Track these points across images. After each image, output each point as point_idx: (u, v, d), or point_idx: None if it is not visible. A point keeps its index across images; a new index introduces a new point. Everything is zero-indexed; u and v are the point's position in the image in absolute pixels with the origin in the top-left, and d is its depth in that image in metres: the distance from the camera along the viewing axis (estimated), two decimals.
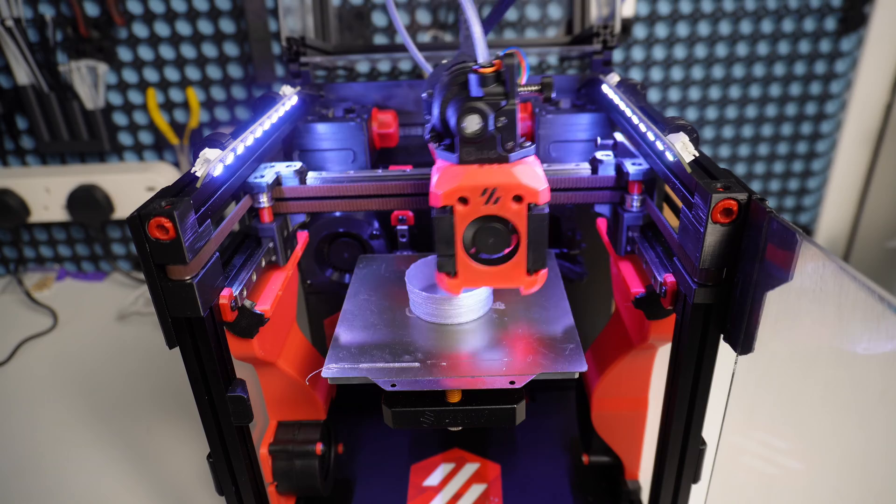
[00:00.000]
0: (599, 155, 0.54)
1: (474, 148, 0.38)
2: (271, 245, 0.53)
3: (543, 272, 0.41)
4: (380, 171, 0.56)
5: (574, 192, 0.53)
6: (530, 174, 0.38)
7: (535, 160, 0.41)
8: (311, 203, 0.53)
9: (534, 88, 0.40)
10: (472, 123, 0.36)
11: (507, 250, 0.40)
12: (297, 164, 0.54)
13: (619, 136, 0.58)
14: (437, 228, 0.39)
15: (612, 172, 0.53)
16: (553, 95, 0.42)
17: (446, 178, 0.39)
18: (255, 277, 0.49)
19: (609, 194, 0.53)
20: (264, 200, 0.51)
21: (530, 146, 0.39)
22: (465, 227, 0.39)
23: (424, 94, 0.39)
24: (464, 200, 0.38)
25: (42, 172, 1.05)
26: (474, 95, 0.37)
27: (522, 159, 0.39)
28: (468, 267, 0.40)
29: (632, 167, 0.51)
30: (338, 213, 0.67)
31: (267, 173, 0.52)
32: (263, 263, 0.51)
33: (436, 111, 0.40)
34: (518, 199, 0.38)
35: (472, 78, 0.36)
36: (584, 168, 0.54)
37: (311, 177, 0.54)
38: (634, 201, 0.52)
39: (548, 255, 0.61)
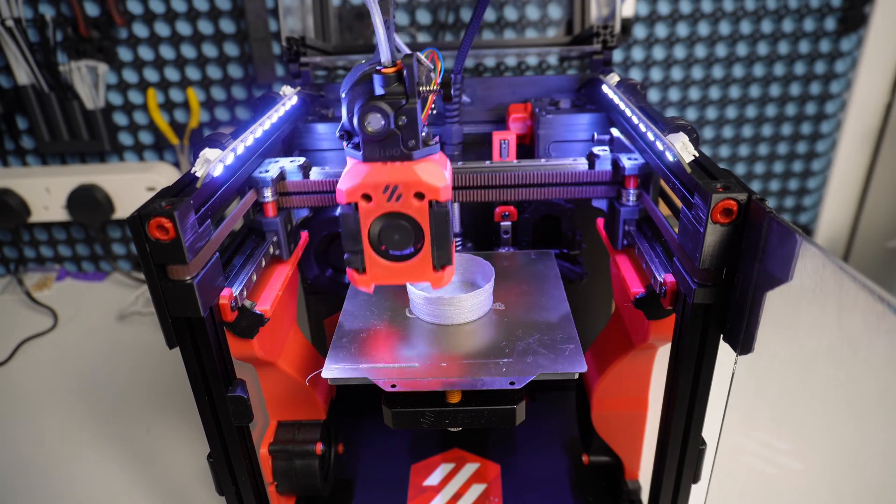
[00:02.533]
0: (596, 150, 0.54)
1: (378, 146, 0.39)
2: (275, 239, 0.53)
3: (450, 269, 0.42)
4: None
5: (571, 186, 0.54)
6: (432, 171, 0.39)
7: (441, 157, 0.42)
8: (315, 197, 0.54)
9: (434, 88, 0.41)
10: (374, 122, 0.38)
11: (418, 245, 0.41)
12: (301, 160, 0.54)
13: (615, 132, 0.58)
14: (343, 225, 0.40)
15: (608, 167, 0.53)
16: (452, 95, 0.42)
17: (350, 175, 0.40)
18: (255, 277, 0.49)
19: (605, 189, 0.54)
20: (269, 195, 0.52)
21: (434, 144, 0.40)
22: (371, 224, 0.40)
23: (342, 94, 0.40)
24: (367, 197, 0.39)
25: (42, 172, 1.05)
26: (377, 94, 0.38)
27: (427, 157, 0.40)
28: (376, 263, 0.41)
29: (628, 162, 0.51)
30: (337, 213, 0.67)
31: (271, 168, 0.53)
32: (265, 260, 0.52)
33: (344, 110, 0.40)
34: (420, 195, 0.39)
35: (376, 77, 0.37)
36: (582, 163, 0.54)
37: (315, 172, 0.55)
38: (630, 195, 0.52)
39: (548, 255, 0.61)
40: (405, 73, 0.37)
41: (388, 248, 0.41)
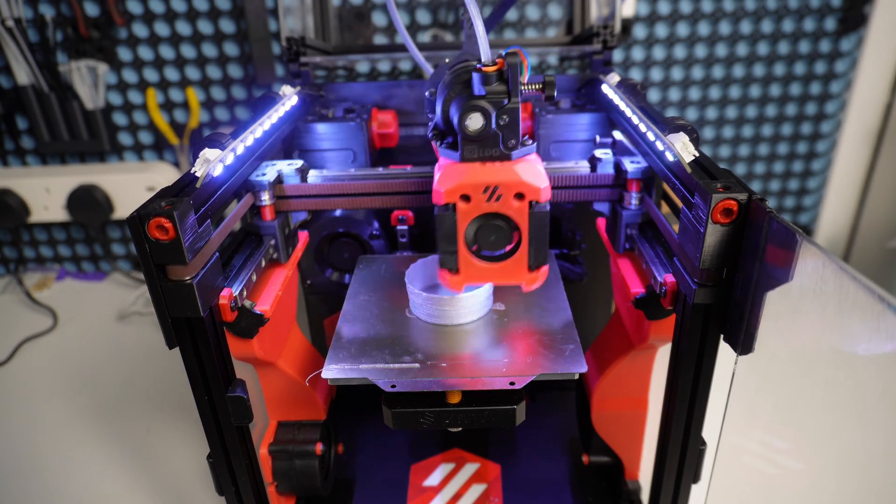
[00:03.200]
0: (598, 153, 0.54)
1: (476, 146, 0.38)
2: (273, 243, 0.53)
3: (545, 269, 0.41)
4: (380, 170, 0.56)
5: (573, 189, 0.54)
6: (532, 172, 0.38)
7: (537, 158, 0.41)
8: (313, 201, 0.54)
9: (536, 87, 0.41)
10: (475, 121, 0.37)
11: (508, 247, 0.40)
12: (299, 163, 0.54)
13: (617, 135, 0.58)
14: (439, 225, 0.39)
15: (610, 170, 0.53)
16: (555, 94, 0.43)
17: (449, 175, 0.39)
18: (255, 277, 0.49)
19: (608, 192, 0.54)
20: (266, 198, 0.52)
21: (532, 144, 0.39)
22: (468, 225, 0.39)
23: (427, 93, 0.39)
24: (466, 198, 0.39)
25: (42, 172, 1.04)
26: (477, 94, 0.37)
27: (524, 157, 0.39)
28: (470, 264, 0.41)
29: (630, 165, 0.51)
30: (338, 213, 0.67)
31: (269, 171, 0.52)
32: (264, 262, 0.52)
33: (438, 109, 0.40)
34: (520, 196, 0.38)
35: (475, 76, 0.37)
36: (584, 166, 0.54)
37: (313, 175, 0.55)
38: (633, 199, 0.52)
39: (548, 255, 0.61)
40: (508, 71, 0.36)
41: (481, 248, 0.40)
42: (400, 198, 0.54)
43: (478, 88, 0.37)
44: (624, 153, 0.55)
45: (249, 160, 0.50)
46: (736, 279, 0.38)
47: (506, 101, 0.37)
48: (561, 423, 0.73)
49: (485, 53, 0.37)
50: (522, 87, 0.38)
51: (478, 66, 0.37)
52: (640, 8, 0.98)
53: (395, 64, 1.02)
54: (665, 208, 0.55)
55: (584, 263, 0.71)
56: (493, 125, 0.37)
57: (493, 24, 0.54)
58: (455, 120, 0.38)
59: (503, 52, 0.37)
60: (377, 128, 0.71)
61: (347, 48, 0.85)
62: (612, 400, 0.59)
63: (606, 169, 0.53)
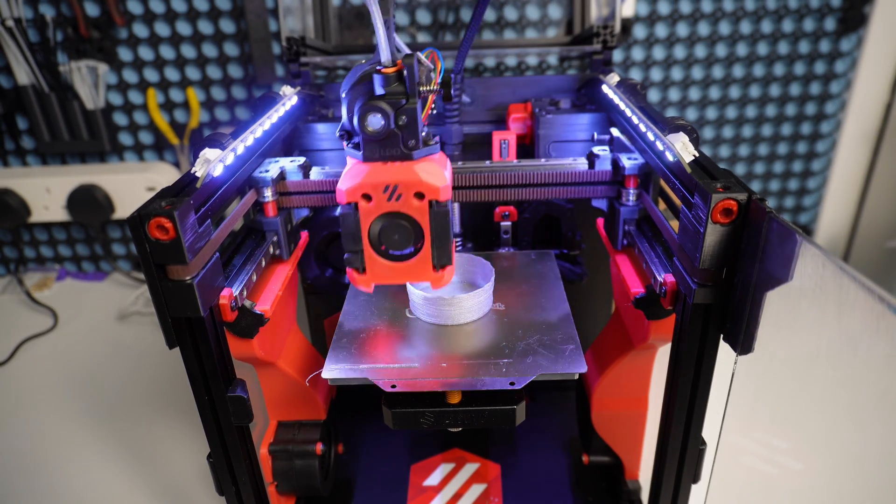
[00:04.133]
0: (596, 150, 0.54)
1: (378, 146, 0.39)
2: (275, 239, 0.53)
3: (450, 268, 0.42)
4: None
5: (571, 186, 0.54)
6: (432, 171, 0.39)
7: (442, 157, 0.42)
8: (315, 197, 0.54)
9: (434, 88, 0.41)
10: (374, 122, 0.38)
11: (418, 245, 0.41)
12: (301, 160, 0.54)
13: (615, 132, 0.58)
14: (343, 225, 0.40)
15: (608, 167, 0.53)
16: (452, 94, 0.42)
17: (351, 175, 0.40)
18: (255, 277, 0.49)
19: (605, 189, 0.54)
20: (269, 195, 0.52)
21: (435, 144, 0.40)
22: (371, 224, 0.40)
23: (342, 94, 0.40)
24: (367, 197, 0.39)
25: (42, 172, 1.05)
26: (377, 94, 0.38)
27: (427, 157, 0.40)
28: (376, 263, 0.41)
29: (628, 162, 0.51)
30: (338, 213, 0.67)
31: (271, 168, 0.53)
32: (265, 260, 0.52)
33: (345, 110, 0.40)
34: (420, 195, 0.39)
35: (376, 77, 0.37)
36: (582, 163, 0.54)
37: (315, 171, 0.55)
38: (630, 195, 0.52)
39: (548, 255, 0.61)
40: (405, 72, 0.37)
41: (387, 247, 0.41)
42: None
43: (378, 89, 0.38)
44: (622, 150, 0.55)
45: (250, 160, 0.50)
46: (736, 279, 0.38)
47: (404, 101, 0.37)
48: (561, 423, 0.73)
49: (384, 54, 0.37)
50: (421, 88, 0.38)
51: (378, 67, 0.38)
52: (640, 8, 0.98)
53: None
54: (662, 205, 0.55)
55: (584, 263, 0.71)
56: (392, 125, 0.38)
57: (474, 28, 0.54)
58: (356, 120, 0.38)
59: (419, 53, 0.38)
60: None
61: (347, 48, 0.85)
62: (612, 400, 0.59)
63: (604, 165, 0.53)
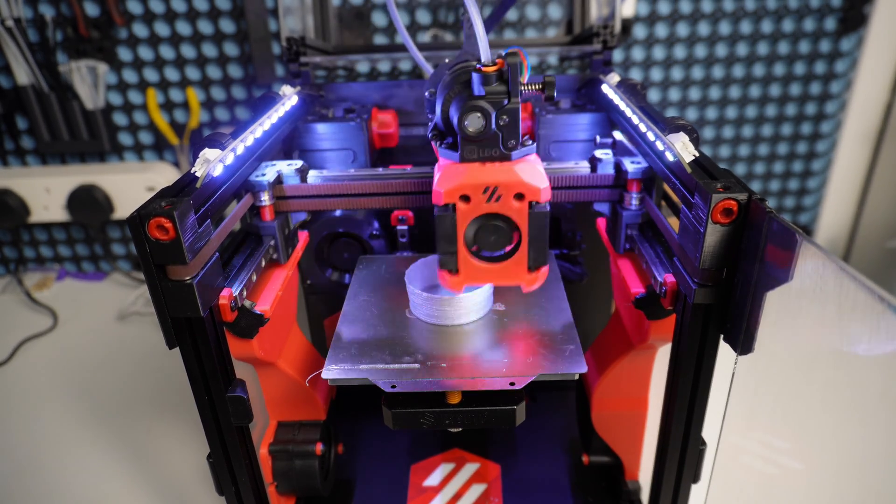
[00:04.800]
0: (598, 153, 0.54)
1: (476, 146, 0.38)
2: (272, 243, 0.53)
3: (544, 269, 0.41)
4: (380, 170, 0.56)
5: (573, 190, 0.54)
6: (532, 172, 0.38)
7: (537, 158, 0.41)
8: (312, 201, 0.54)
9: (536, 87, 0.41)
10: (475, 122, 0.37)
11: (508, 248, 0.40)
12: (299, 163, 0.54)
13: (617, 135, 0.58)
14: (438, 226, 0.39)
15: (611, 171, 0.53)
16: (555, 95, 0.43)
17: (448, 176, 0.39)
18: (255, 277, 0.49)
19: (608, 192, 0.54)
20: (266, 199, 0.52)
21: (531, 144, 0.39)
22: (467, 225, 0.39)
23: (427, 93, 0.39)
24: (466, 198, 0.38)
25: (42, 172, 1.04)
26: (477, 94, 0.37)
27: (524, 157, 0.39)
28: (470, 264, 0.41)
29: (631, 165, 0.51)
30: (338, 213, 0.67)
31: (268, 172, 0.52)
32: (264, 262, 0.52)
33: (438, 110, 0.40)
34: (519, 196, 0.38)
35: (475, 77, 0.37)
36: (584, 166, 0.54)
37: (312, 175, 0.55)
38: (633, 199, 0.52)
39: (548, 255, 0.61)
40: (508, 72, 0.36)
41: (481, 248, 0.40)
42: (400, 198, 0.54)
43: (477, 89, 0.37)
44: (624, 153, 0.55)
45: (249, 160, 0.50)
46: (736, 279, 0.38)
47: (506, 101, 0.37)
48: (561, 423, 0.73)
49: (485, 54, 0.37)
50: (522, 88, 0.38)
51: (477, 66, 0.37)
52: (640, 8, 0.98)
53: (395, 64, 1.02)
54: (667, 212, 0.55)
55: (584, 264, 0.71)
56: (493, 125, 0.37)
57: (493, 24, 0.54)
58: (455, 120, 0.38)
59: (503, 53, 0.37)
60: (377, 128, 0.71)
61: (347, 48, 0.85)
62: (612, 400, 0.59)
63: (607, 169, 0.53)
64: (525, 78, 0.41)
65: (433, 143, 0.42)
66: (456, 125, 0.38)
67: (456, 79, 0.38)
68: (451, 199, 0.38)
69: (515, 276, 0.41)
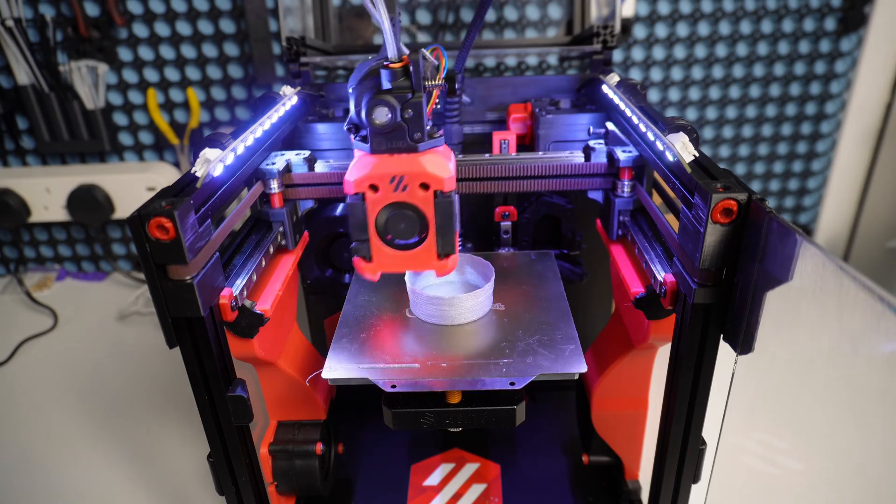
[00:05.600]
0: (592, 143, 0.55)
1: (384, 138, 0.40)
2: (281, 230, 0.54)
3: (454, 257, 0.43)
4: None
5: (568, 178, 0.55)
6: (437, 163, 0.40)
7: (446, 149, 0.43)
8: (320, 189, 0.55)
9: (438, 83, 0.43)
10: (380, 115, 0.39)
11: (422, 235, 0.42)
12: (306, 153, 0.55)
13: (610, 126, 0.59)
14: (351, 214, 0.42)
15: (603, 160, 0.54)
16: (456, 88, 0.44)
17: (358, 166, 0.41)
18: (255, 277, 0.49)
19: (601, 181, 0.55)
20: (275, 186, 0.53)
21: (440, 137, 0.42)
22: (378, 214, 0.41)
23: (350, 88, 0.41)
24: (374, 188, 0.41)
25: (42, 172, 1.05)
26: (384, 88, 0.39)
27: (432, 149, 0.41)
28: (382, 252, 0.43)
29: (622, 154, 0.52)
30: (338, 213, 0.67)
31: (277, 161, 0.54)
32: (270, 253, 0.52)
33: (352, 104, 0.42)
34: (425, 186, 0.40)
35: (383, 72, 0.39)
36: (578, 156, 0.55)
37: (319, 164, 0.56)
38: (625, 187, 0.53)
39: (548, 255, 0.61)
40: (411, 67, 0.38)
41: (393, 237, 0.42)
42: None
43: (385, 83, 0.39)
44: (616, 143, 0.56)
45: (250, 160, 0.51)
46: (736, 279, 0.38)
47: (410, 95, 0.39)
48: (561, 423, 0.73)
49: (391, 50, 0.39)
50: (427, 83, 0.40)
51: (385, 62, 0.39)
52: (640, 8, 0.98)
53: None
54: (656, 198, 0.56)
55: (583, 263, 0.71)
56: (398, 118, 0.39)
57: (476, 26, 0.55)
58: (363, 113, 0.40)
59: (424, 50, 0.40)
60: None
61: (347, 48, 0.85)
62: (612, 400, 0.59)
63: (600, 158, 0.54)
64: (442, 73, 0.44)
65: (349, 135, 0.44)
66: (364, 118, 0.39)
67: (367, 74, 0.41)
68: (361, 188, 0.41)
69: (426, 262, 0.43)
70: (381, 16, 0.38)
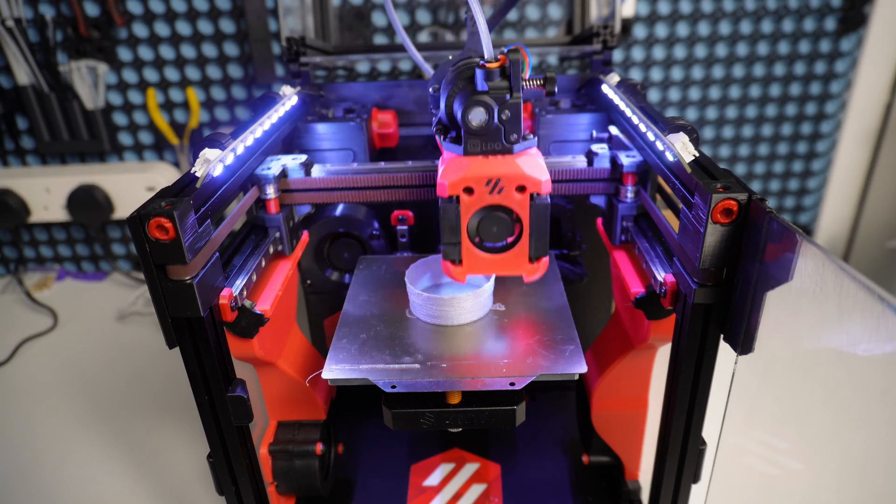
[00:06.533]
0: (595, 147, 0.55)
1: (479, 140, 0.39)
2: (277, 235, 0.54)
3: (545, 260, 0.42)
4: (383, 164, 0.56)
5: (571, 183, 0.55)
6: (533, 165, 0.39)
7: (538, 152, 0.42)
8: (316, 194, 0.55)
9: (538, 83, 0.42)
10: (478, 116, 0.38)
11: (510, 239, 0.41)
12: (303, 157, 0.55)
13: (613, 130, 0.58)
14: (443, 217, 0.40)
15: (607, 164, 0.54)
16: (555, 90, 0.44)
17: (452, 168, 0.40)
18: (255, 277, 0.49)
19: (604, 185, 0.55)
20: (271, 192, 0.52)
21: (533, 138, 0.40)
22: (470, 217, 0.40)
23: (431, 89, 0.41)
24: (469, 190, 0.40)
25: (42, 172, 1.04)
26: (480, 89, 0.38)
27: (525, 151, 0.40)
28: (473, 255, 0.42)
29: (626, 159, 0.52)
30: (338, 213, 0.67)
31: (273, 165, 0.53)
32: (268, 256, 0.52)
33: (442, 105, 0.41)
34: (521, 188, 0.39)
35: (478, 72, 0.38)
36: (581, 160, 0.55)
37: (316, 169, 0.55)
38: (628, 192, 0.53)
39: (548, 246, 0.61)
40: (510, 67, 0.37)
41: (484, 239, 0.41)
42: (402, 191, 0.55)
43: (481, 84, 0.38)
44: (620, 148, 0.55)
45: (250, 160, 0.50)
46: (736, 279, 0.38)
47: (508, 96, 0.38)
48: (561, 423, 0.73)
49: (487, 50, 0.38)
50: (524, 83, 0.39)
51: (480, 62, 0.38)
52: (640, 8, 0.98)
53: (395, 64, 1.02)
54: (666, 212, 0.55)
55: (584, 264, 0.71)
56: (496, 120, 0.38)
57: (495, 23, 0.55)
58: (458, 115, 0.39)
59: (505, 50, 0.38)
60: (377, 128, 0.71)
61: (347, 48, 0.85)
62: (612, 400, 0.59)
63: (602, 163, 0.54)
64: (527, 74, 0.42)
65: (437, 136, 0.43)
66: (460, 119, 0.39)
67: (459, 75, 0.40)
68: (455, 191, 0.40)
69: (517, 266, 0.42)
70: (477, 15, 0.37)
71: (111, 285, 1.14)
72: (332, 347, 0.48)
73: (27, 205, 1.04)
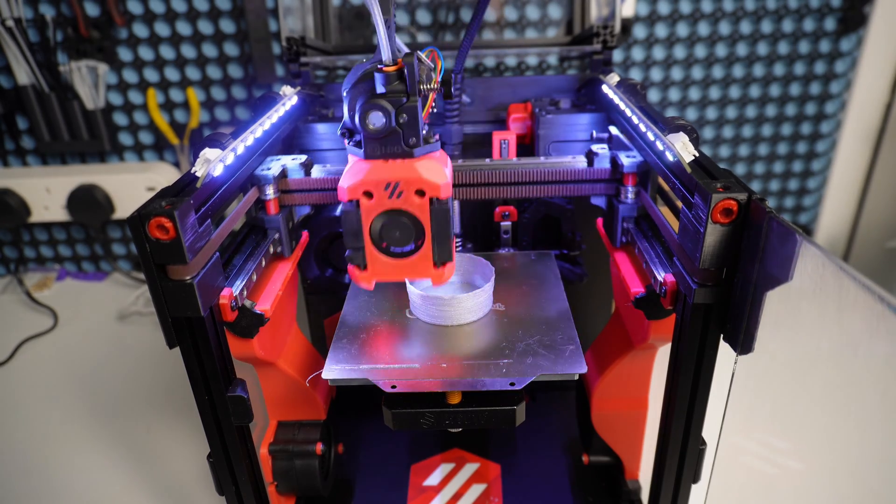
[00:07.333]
0: (595, 148, 0.54)
1: (379, 144, 0.39)
2: (277, 236, 0.53)
3: (450, 265, 0.42)
4: None
5: (571, 184, 0.54)
6: (432, 169, 0.39)
7: (442, 155, 0.42)
8: (316, 195, 0.54)
9: (434, 86, 0.41)
10: (375, 119, 0.38)
11: (418, 242, 0.41)
12: (303, 157, 0.55)
13: (613, 130, 0.58)
14: (344, 222, 0.40)
15: (607, 165, 0.54)
16: (452, 91, 0.43)
17: (352, 172, 0.40)
18: (255, 277, 0.49)
19: (604, 186, 0.54)
20: (270, 192, 0.52)
21: (435, 142, 0.40)
22: (372, 221, 0.40)
23: (343, 92, 0.41)
24: (369, 194, 0.39)
25: (42, 172, 1.04)
26: (378, 93, 0.38)
27: (427, 154, 0.40)
28: (377, 260, 0.42)
29: (626, 159, 0.52)
30: (338, 213, 0.67)
31: (273, 166, 0.53)
32: (268, 256, 0.52)
33: (346, 108, 0.41)
34: (420, 193, 0.39)
35: (377, 76, 0.38)
36: (581, 161, 0.55)
37: (316, 169, 0.55)
38: (629, 193, 0.53)
39: (548, 255, 0.61)
40: (406, 71, 0.37)
41: (388, 244, 0.41)
42: None
43: (379, 87, 0.38)
44: (620, 148, 0.55)
45: (250, 160, 0.50)
46: (736, 279, 0.38)
47: (405, 99, 0.38)
48: (561, 423, 0.73)
49: (385, 53, 0.38)
50: (422, 86, 0.39)
51: (379, 65, 0.38)
52: (640, 8, 0.98)
53: None
54: (665, 212, 0.55)
55: (583, 264, 0.71)
56: (394, 123, 0.38)
57: (474, 28, 0.54)
58: (358, 118, 0.39)
59: (420, 52, 0.39)
60: None
61: (347, 48, 0.85)
62: (612, 400, 0.59)
63: (603, 164, 0.54)
64: (438, 77, 0.43)
65: (343, 140, 0.43)
66: (359, 123, 0.38)
67: (361, 78, 0.39)
68: (355, 195, 0.39)
69: (422, 271, 0.42)
70: (376, 17, 0.37)
71: (111, 285, 1.14)
72: (332, 347, 0.48)
73: (27, 205, 1.04)
